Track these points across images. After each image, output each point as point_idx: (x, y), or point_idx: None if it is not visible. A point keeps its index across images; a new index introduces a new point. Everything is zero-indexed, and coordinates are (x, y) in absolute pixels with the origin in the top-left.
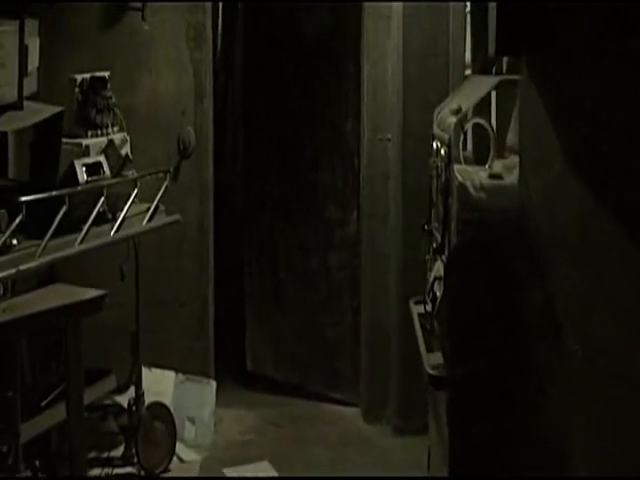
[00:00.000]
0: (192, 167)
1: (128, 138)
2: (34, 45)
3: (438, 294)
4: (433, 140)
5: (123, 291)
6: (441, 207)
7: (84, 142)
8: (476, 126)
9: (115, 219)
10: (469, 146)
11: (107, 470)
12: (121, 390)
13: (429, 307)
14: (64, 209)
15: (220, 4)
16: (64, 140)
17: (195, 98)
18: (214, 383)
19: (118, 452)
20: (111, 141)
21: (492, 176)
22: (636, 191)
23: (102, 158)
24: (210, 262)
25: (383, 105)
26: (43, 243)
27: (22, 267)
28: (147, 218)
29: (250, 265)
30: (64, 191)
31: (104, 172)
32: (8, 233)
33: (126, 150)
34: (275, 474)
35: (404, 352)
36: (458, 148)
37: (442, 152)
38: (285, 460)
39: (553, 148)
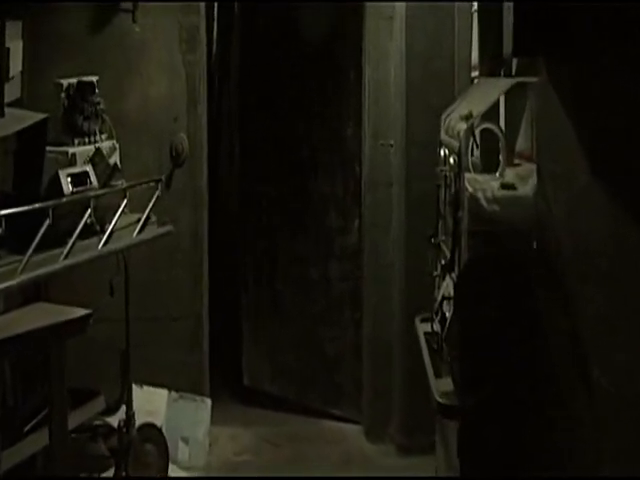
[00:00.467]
0: (185, 175)
1: (117, 146)
2: (17, 48)
3: (447, 314)
4: (440, 147)
5: (113, 306)
6: (450, 220)
7: (70, 150)
8: (484, 131)
9: (103, 231)
10: (475, 152)
11: None
12: (111, 411)
13: (437, 327)
14: (47, 223)
15: (215, 6)
16: (49, 148)
17: (188, 103)
18: (209, 401)
19: (109, 474)
20: (99, 149)
21: (504, 186)
22: None
23: (89, 167)
24: (204, 274)
25: (385, 109)
26: (25, 259)
27: (1, 285)
28: (137, 230)
29: (247, 276)
30: (47, 203)
31: (91, 182)
32: None
33: (115, 159)
34: None
35: (408, 367)
36: (468, 156)
37: (451, 161)
38: None
39: (576, 157)
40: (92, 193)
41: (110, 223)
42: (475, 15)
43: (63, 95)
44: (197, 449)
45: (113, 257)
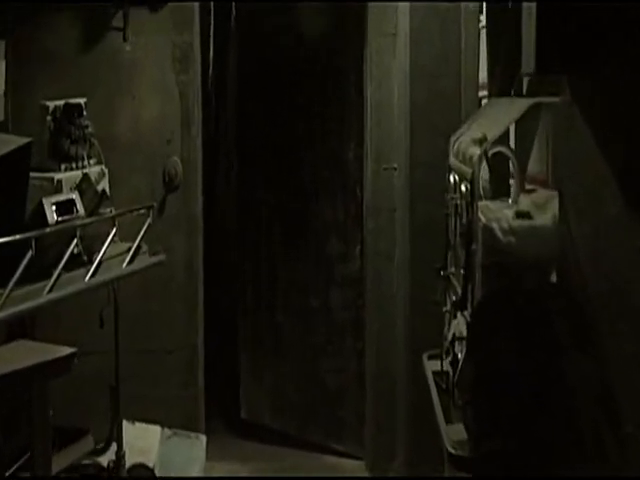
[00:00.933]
0: (179, 201)
1: (106, 171)
2: (0, 68)
3: (459, 356)
4: (449, 173)
5: (103, 338)
6: (462, 252)
7: (56, 177)
8: (493, 154)
9: (91, 262)
10: (484, 175)
11: None
12: (101, 451)
13: (448, 368)
14: (30, 254)
15: (212, 23)
16: (33, 175)
17: (182, 125)
18: (204, 438)
19: None
20: (86, 175)
21: (519, 214)
22: None
23: (75, 195)
24: (199, 304)
25: (388, 130)
26: (5, 293)
27: None
28: (127, 260)
29: (244, 305)
30: (29, 234)
31: (77, 211)
32: None
33: (104, 185)
34: None
35: (413, 401)
36: (480, 184)
37: (462, 188)
38: None
39: (604, 184)
40: (78, 222)
41: (99, 253)
42: (483, 31)
43: (49, 118)
44: None
45: (103, 287)
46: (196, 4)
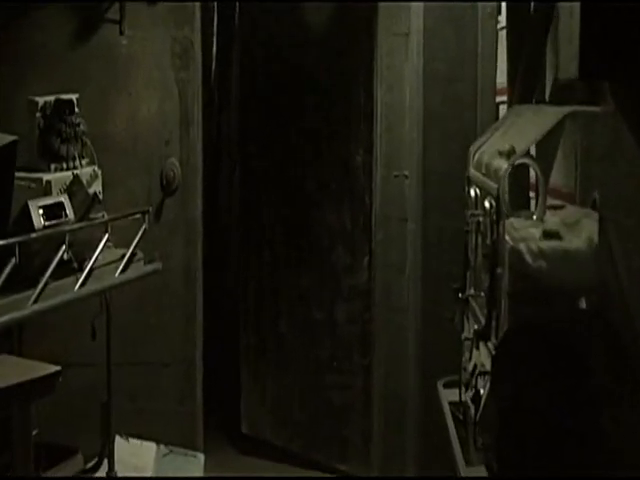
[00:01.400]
0: (177, 205)
1: (99, 173)
2: None
3: (482, 392)
4: (469, 185)
5: (95, 349)
6: (485, 275)
7: (45, 178)
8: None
9: (82, 270)
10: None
11: None
12: (91, 470)
13: (467, 401)
14: (13, 262)
15: (215, 19)
16: (20, 175)
17: (181, 125)
18: (202, 456)
19: None
20: (77, 176)
21: (547, 234)
22: None
23: (64, 198)
24: (198, 315)
25: (399, 136)
26: None
27: None
28: (120, 269)
29: (246, 316)
30: (13, 240)
31: (66, 215)
32: None
33: (96, 187)
34: None
35: (425, 424)
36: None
37: (486, 204)
38: None
39: None
40: (67, 227)
41: (90, 260)
42: (502, 32)
43: (38, 115)
44: None
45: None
46: None
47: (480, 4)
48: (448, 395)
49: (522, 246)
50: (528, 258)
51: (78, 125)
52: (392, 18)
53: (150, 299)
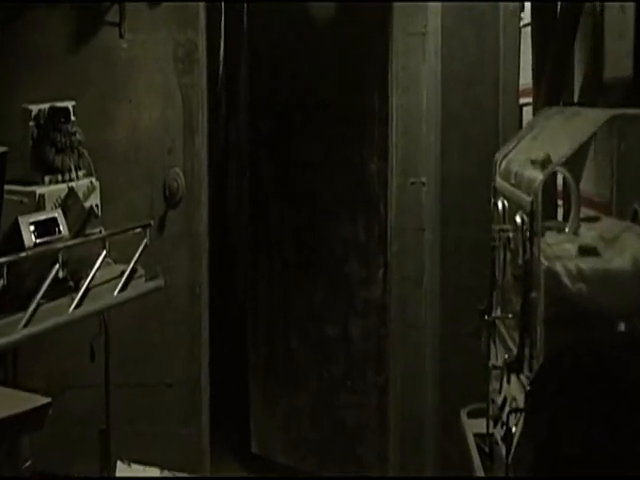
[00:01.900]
0: (181, 217)
1: (97, 185)
2: None
3: (514, 429)
4: (495, 197)
5: (95, 370)
6: (516, 298)
7: (38, 191)
8: None
9: (78, 288)
10: None
11: None
12: None
13: (496, 434)
14: (1, 284)
15: (222, 20)
16: (11, 188)
17: (184, 133)
18: None
19: None
20: (72, 189)
21: (584, 251)
22: None
23: (58, 213)
24: (203, 332)
25: (416, 142)
26: None
27: None
28: (119, 287)
29: (255, 332)
30: (1, 260)
31: (60, 231)
32: None
33: (94, 200)
34: None
35: (442, 444)
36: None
37: (517, 219)
38: None
39: None
40: (60, 245)
41: (87, 278)
42: (525, 30)
43: (32, 124)
44: None
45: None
46: None
47: (502, 2)
48: (472, 426)
49: (559, 267)
50: (566, 280)
51: (74, 134)
52: (408, 17)
53: (153, 316)
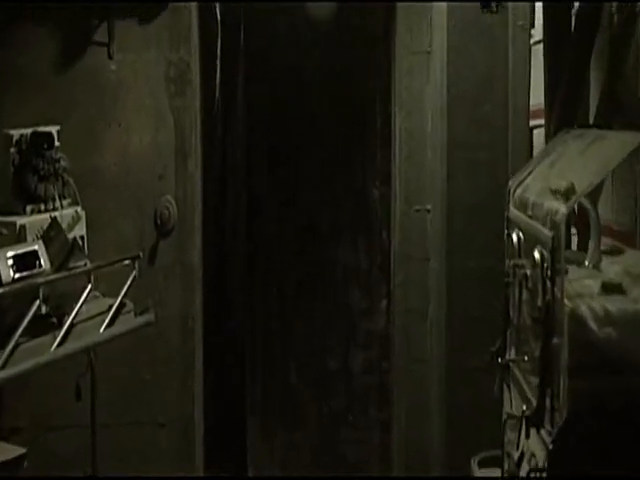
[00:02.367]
0: (173, 247)
1: (83, 214)
2: None
3: None
4: (509, 229)
5: (81, 409)
6: (535, 342)
7: (19, 222)
8: None
9: (61, 325)
10: None
11: None
12: None
13: None
14: None
15: (219, 39)
16: None
17: (177, 158)
18: None
19: None
20: (55, 220)
21: (607, 288)
22: None
23: (39, 245)
24: (197, 367)
25: (420, 166)
26: None
27: None
28: (105, 323)
29: (253, 366)
30: None
31: (41, 265)
32: None
33: (79, 231)
34: None
35: None
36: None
37: (536, 255)
38: None
39: None
40: (41, 280)
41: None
42: (537, 47)
43: (13, 150)
44: None
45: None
46: (194, 16)
47: (511, 17)
48: (484, 475)
49: (584, 309)
50: (592, 325)
51: (58, 161)
52: (412, 34)
53: (143, 350)
